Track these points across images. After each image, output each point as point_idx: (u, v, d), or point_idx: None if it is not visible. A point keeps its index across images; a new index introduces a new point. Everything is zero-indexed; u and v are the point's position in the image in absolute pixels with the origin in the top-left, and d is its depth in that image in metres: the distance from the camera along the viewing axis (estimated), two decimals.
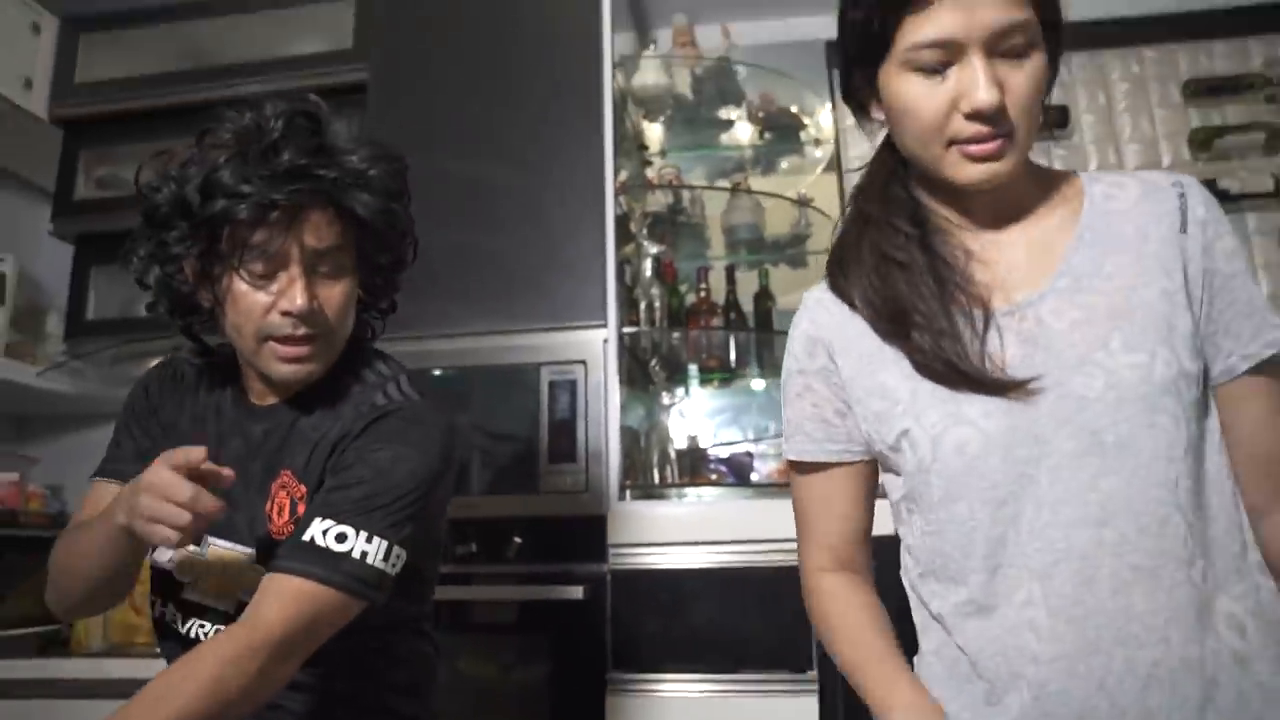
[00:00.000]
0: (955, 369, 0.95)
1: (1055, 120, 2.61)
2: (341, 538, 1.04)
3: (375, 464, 1.09)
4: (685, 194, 2.53)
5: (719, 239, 2.63)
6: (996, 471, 0.93)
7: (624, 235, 2.25)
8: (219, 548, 1.14)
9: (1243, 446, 0.96)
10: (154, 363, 1.30)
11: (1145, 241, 0.97)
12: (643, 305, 2.27)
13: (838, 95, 2.80)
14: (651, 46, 2.61)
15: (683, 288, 2.47)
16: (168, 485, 0.95)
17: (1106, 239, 0.98)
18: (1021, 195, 1.01)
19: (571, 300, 1.96)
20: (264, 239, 1.05)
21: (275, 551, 1.07)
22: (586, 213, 2.03)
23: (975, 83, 0.90)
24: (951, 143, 0.94)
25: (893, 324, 1.00)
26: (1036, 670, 0.90)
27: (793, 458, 1.11)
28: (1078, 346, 0.93)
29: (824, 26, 2.75)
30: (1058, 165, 2.58)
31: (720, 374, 2.46)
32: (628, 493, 1.99)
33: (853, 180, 2.62)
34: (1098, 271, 0.97)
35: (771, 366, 2.53)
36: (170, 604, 1.15)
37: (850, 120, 2.66)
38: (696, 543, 1.94)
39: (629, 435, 2.11)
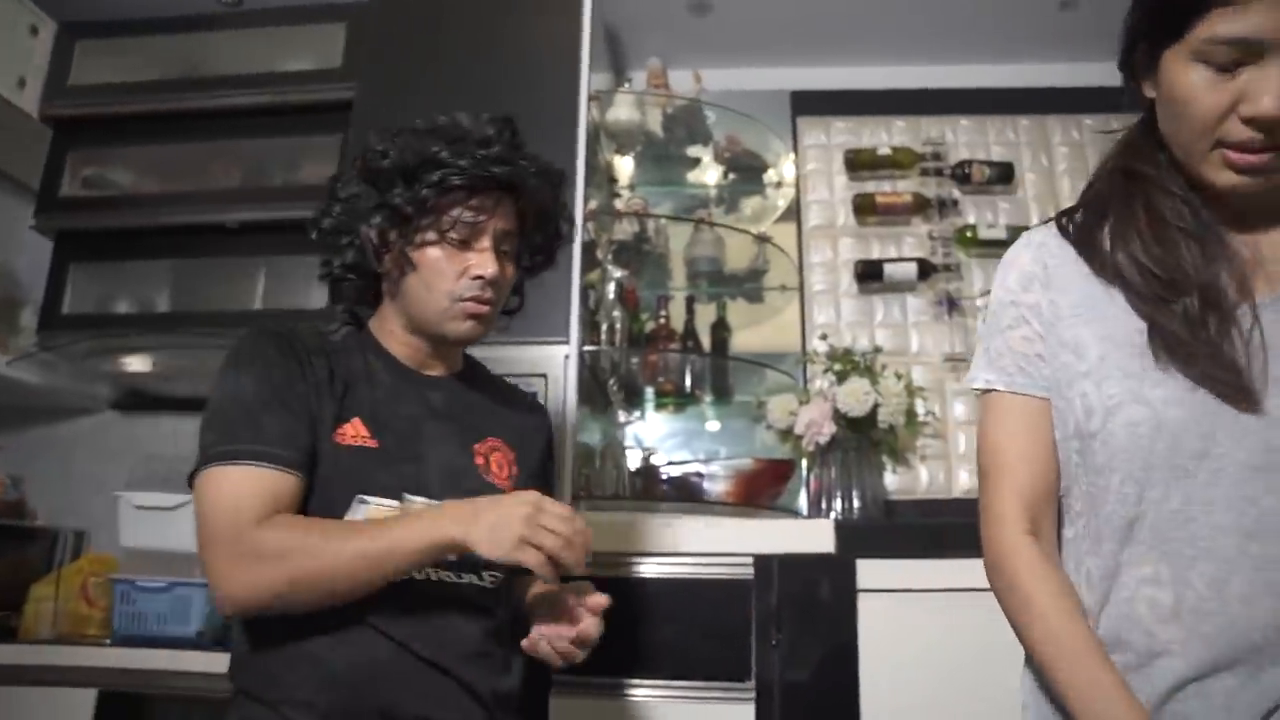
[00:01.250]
0: (1213, 348, 0.91)
1: (1001, 176, 2.77)
2: None
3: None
4: (651, 225, 2.65)
5: (680, 270, 2.74)
6: (1157, 456, 0.92)
7: (590, 262, 2.35)
8: (417, 503, 1.21)
9: None
10: (249, 333, 1.26)
11: None
12: (604, 327, 2.38)
13: (800, 142, 2.93)
14: (626, 85, 2.74)
15: (644, 315, 2.58)
16: (570, 528, 1.09)
17: None
18: (1272, 203, 0.97)
19: (536, 316, 2.06)
20: (468, 211, 1.24)
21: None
22: None
23: (1267, 89, 0.86)
24: (1219, 144, 0.91)
25: (1163, 288, 0.95)
26: (1148, 642, 0.91)
27: (1000, 388, 1.05)
28: (1270, 369, 0.90)
29: (790, 77, 2.94)
30: (1002, 219, 2.77)
31: (675, 398, 2.57)
32: (581, 504, 2.08)
33: (812, 224, 2.77)
34: None
35: (724, 394, 2.65)
36: None
37: (810, 165, 2.84)
38: (645, 554, 2.03)
39: (584, 451, 2.20)
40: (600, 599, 1.23)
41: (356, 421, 1.22)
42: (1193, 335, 0.92)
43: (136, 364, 2.61)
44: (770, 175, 2.78)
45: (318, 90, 2.45)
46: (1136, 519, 0.93)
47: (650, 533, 2.07)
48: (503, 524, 1.08)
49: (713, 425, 2.74)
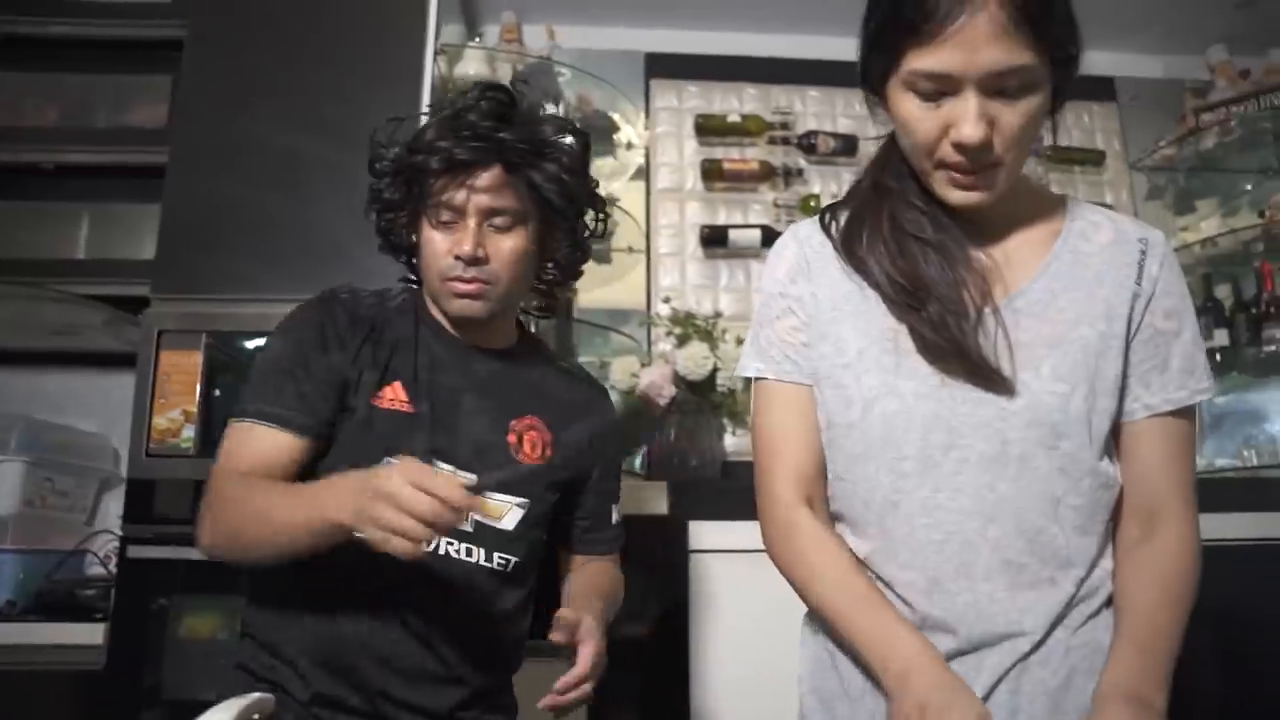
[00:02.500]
0: (959, 348, 0.99)
1: (845, 147, 2.86)
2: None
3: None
4: None
5: None
6: (909, 445, 1.01)
7: None
8: (445, 470, 1.23)
9: (1129, 484, 1.05)
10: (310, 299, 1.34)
11: (1100, 285, 1.04)
12: None
13: (652, 104, 2.95)
14: (478, 39, 2.69)
15: None
16: (411, 501, 0.98)
17: (1068, 275, 1.05)
18: (1008, 212, 1.06)
19: (376, 272, 2.02)
20: (448, 190, 1.26)
21: (527, 482, 1.31)
22: None
23: (965, 118, 0.94)
24: (940, 165, 0.99)
25: (908, 296, 1.03)
26: (912, 616, 1.01)
27: (771, 377, 1.11)
28: (1015, 363, 1.00)
29: (645, 39, 2.94)
30: (845, 189, 2.84)
31: None
32: None
33: (660, 186, 2.79)
34: (1052, 301, 1.04)
35: (569, 355, 2.66)
36: None
37: (661, 128, 2.86)
38: None
39: None
40: (569, 679, 1.15)
41: (397, 385, 1.28)
42: (939, 336, 1.01)
43: None
44: (620, 136, 2.79)
45: (147, 26, 2.31)
46: (893, 504, 1.03)
47: None
48: (351, 495, 1.04)
49: None
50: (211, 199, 2.04)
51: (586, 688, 1.16)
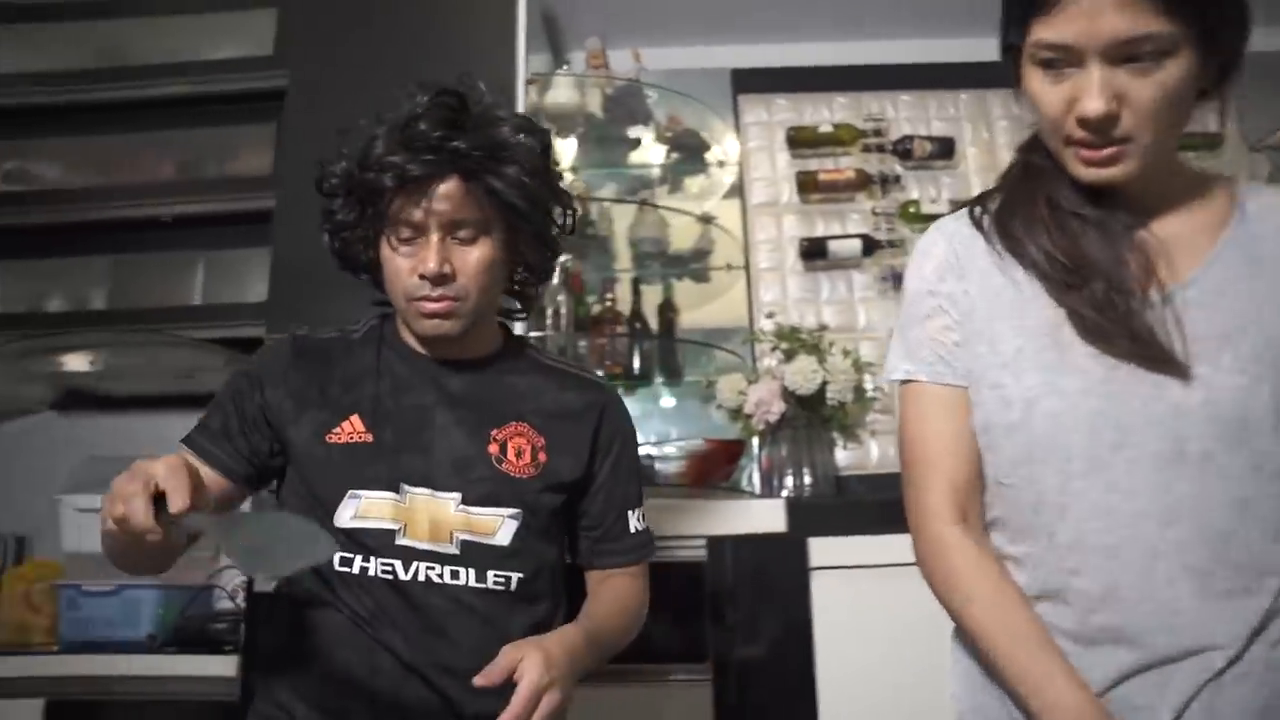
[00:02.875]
0: (1127, 328, 0.93)
1: (942, 151, 2.79)
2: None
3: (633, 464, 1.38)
4: (594, 208, 2.64)
5: (625, 252, 2.74)
6: (1076, 447, 0.94)
7: None
8: (419, 495, 1.20)
9: None
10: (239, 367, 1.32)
11: None
12: (549, 312, 2.37)
13: (741, 120, 2.93)
14: (565, 67, 2.72)
15: (589, 298, 2.57)
16: (120, 488, 0.92)
17: (1246, 258, 0.97)
18: (1165, 194, 1.00)
19: None
20: (405, 207, 1.17)
21: (517, 492, 1.23)
22: None
23: (1087, 91, 0.90)
24: (1069, 141, 0.95)
25: (1069, 274, 0.97)
26: (1081, 631, 0.93)
27: (923, 379, 1.05)
28: (1189, 354, 0.93)
29: (731, 55, 2.93)
30: (944, 194, 2.79)
31: (624, 381, 2.57)
32: None
33: (755, 201, 2.77)
34: (1226, 290, 0.96)
35: (673, 375, 2.65)
36: (379, 557, 1.18)
37: (753, 143, 2.84)
38: None
39: None
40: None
41: (354, 418, 1.23)
42: (1104, 317, 0.94)
43: (74, 363, 2.54)
44: (713, 154, 2.78)
45: (249, 79, 2.38)
46: (1061, 508, 0.95)
47: None
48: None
49: (667, 402, 2.75)
50: (319, 240, 2.08)
51: None
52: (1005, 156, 2.80)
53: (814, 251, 2.71)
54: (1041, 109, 0.96)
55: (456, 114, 1.19)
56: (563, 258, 2.45)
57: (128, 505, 0.90)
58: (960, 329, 1.04)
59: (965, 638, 1.05)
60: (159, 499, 0.91)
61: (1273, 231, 0.99)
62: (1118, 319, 0.94)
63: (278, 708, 1.19)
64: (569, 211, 1.33)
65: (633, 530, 1.35)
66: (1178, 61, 0.90)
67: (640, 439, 2.58)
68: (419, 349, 1.29)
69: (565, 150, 2.61)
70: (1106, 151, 0.93)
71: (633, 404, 2.67)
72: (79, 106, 2.47)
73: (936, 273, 1.07)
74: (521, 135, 1.23)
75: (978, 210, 1.08)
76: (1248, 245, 0.98)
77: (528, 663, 1.05)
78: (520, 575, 1.23)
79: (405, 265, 1.20)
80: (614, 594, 1.33)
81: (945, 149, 2.80)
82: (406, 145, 1.16)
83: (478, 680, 1.04)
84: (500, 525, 1.22)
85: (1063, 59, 0.91)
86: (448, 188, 1.17)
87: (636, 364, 2.57)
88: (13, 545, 2.48)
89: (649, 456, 2.34)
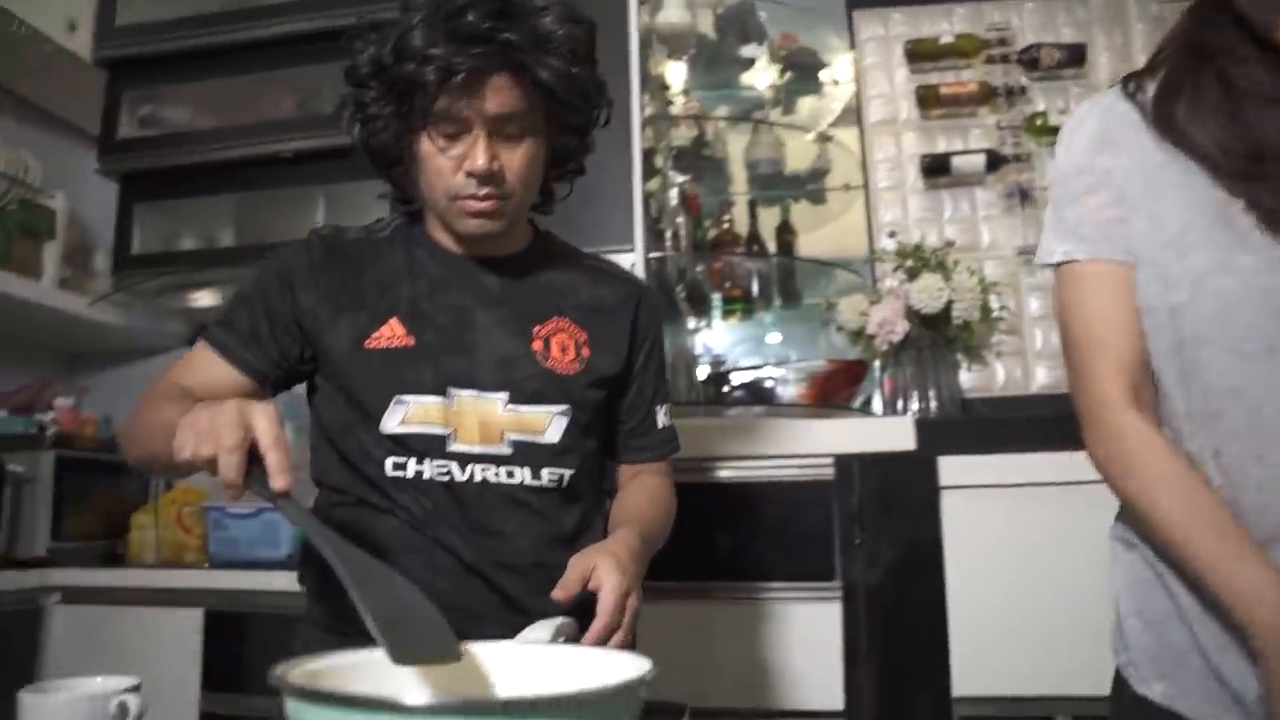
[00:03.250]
0: None
1: (1072, 58, 2.65)
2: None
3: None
4: (709, 129, 2.59)
5: (741, 174, 2.68)
6: (1250, 327, 0.88)
7: (649, 170, 2.31)
8: (466, 397, 1.17)
9: None
10: (279, 253, 1.24)
11: None
12: (668, 234, 2.35)
13: (857, 36, 2.83)
14: None
15: (706, 222, 2.53)
16: (218, 430, 0.87)
17: None
18: None
19: (599, 225, 2.03)
20: (449, 103, 1.09)
21: (564, 389, 1.20)
22: (614, 143, 2.09)
23: None
24: None
25: (1248, 164, 0.89)
26: (1262, 522, 0.87)
27: (1081, 257, 0.98)
28: None
29: None
30: (1074, 104, 2.65)
31: (743, 304, 2.53)
32: None
33: (873, 119, 2.68)
34: None
35: (791, 297, 2.61)
36: (432, 460, 1.16)
37: (869, 60, 2.75)
38: (722, 458, 2.03)
39: None
40: (591, 636, 0.99)
41: (393, 322, 1.18)
42: None
43: (205, 299, 2.66)
44: (827, 73, 2.69)
45: (366, 9, 2.40)
46: (1235, 392, 0.89)
47: (726, 437, 2.06)
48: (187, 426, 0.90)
49: (777, 333, 2.71)
50: None
51: (617, 638, 1.00)
52: (1141, 62, 2.67)
53: (936, 168, 2.62)
54: None
55: (504, 2, 1.10)
56: (680, 179, 2.44)
57: (223, 456, 0.85)
58: (1118, 205, 0.97)
59: (1129, 536, 1.00)
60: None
61: None
62: None
63: (336, 618, 1.15)
64: (606, 104, 1.25)
65: (660, 425, 1.33)
66: None
67: (757, 362, 2.60)
68: (452, 248, 1.24)
69: (676, 72, 2.57)
70: None
71: (750, 328, 2.66)
72: (204, 51, 2.54)
73: (1091, 147, 1.00)
74: (567, 24, 1.14)
75: (1131, 86, 1.00)
76: None
77: (603, 570, 1.02)
78: (571, 472, 1.21)
79: (449, 163, 1.13)
80: (649, 494, 1.29)
81: (1075, 56, 2.65)
82: (451, 37, 1.07)
83: (555, 594, 1.00)
84: (550, 422, 1.20)
85: None
86: (497, 82, 1.10)
87: (755, 287, 2.54)
88: None
89: (769, 378, 2.31)
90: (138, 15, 2.58)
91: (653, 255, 2.17)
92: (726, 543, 2.01)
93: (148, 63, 2.58)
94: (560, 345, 1.22)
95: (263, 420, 0.86)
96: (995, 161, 2.60)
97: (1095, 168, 0.99)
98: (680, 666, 1.89)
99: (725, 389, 2.37)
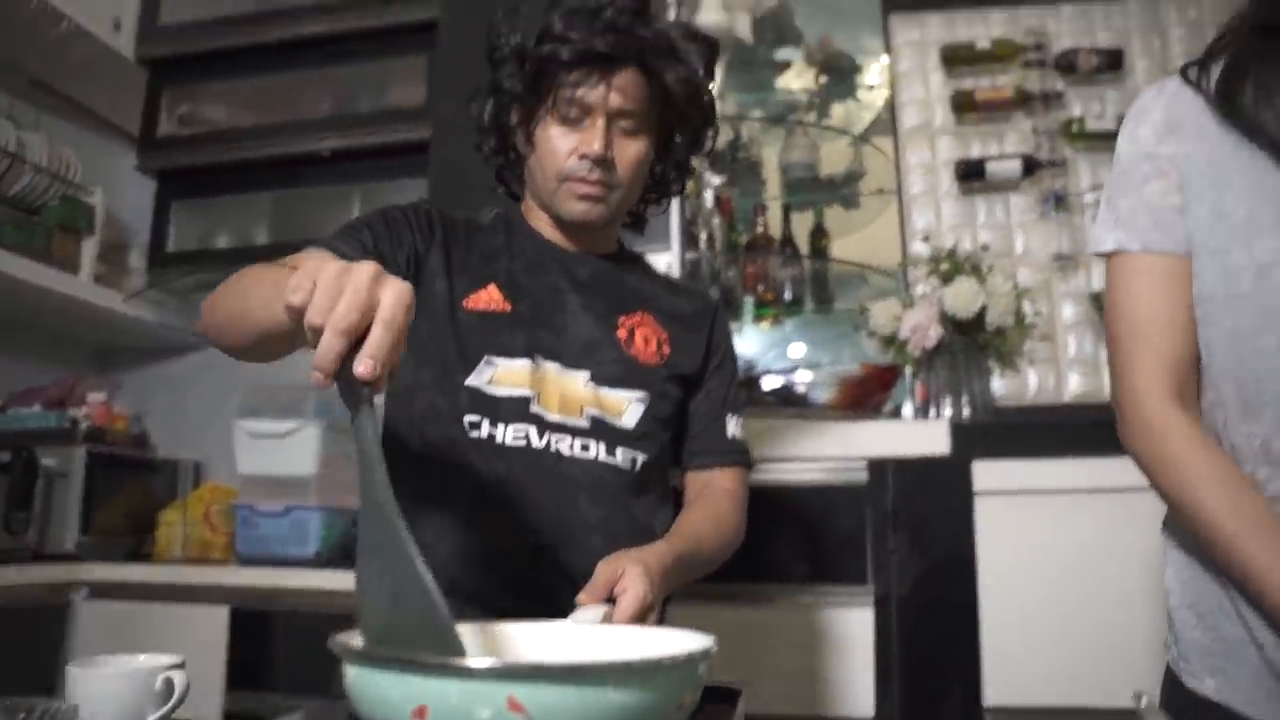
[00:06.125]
0: None
1: (1109, 63, 2.63)
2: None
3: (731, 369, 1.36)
4: (744, 132, 2.59)
5: (775, 178, 2.68)
6: None
7: None
8: (550, 368, 1.20)
9: None
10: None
11: None
12: (703, 236, 2.34)
13: (892, 40, 2.81)
14: None
15: (739, 225, 2.53)
16: (341, 298, 0.69)
17: None
18: None
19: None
20: (577, 88, 1.16)
21: (645, 378, 1.23)
22: None
23: None
24: None
25: None
26: None
27: (1133, 248, 0.98)
28: None
29: None
30: (1111, 109, 2.63)
31: (776, 307, 2.52)
32: None
33: (908, 125, 2.66)
34: None
35: (824, 301, 2.59)
36: (510, 423, 1.16)
37: (904, 64, 2.73)
38: (756, 460, 2.01)
39: None
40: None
41: (492, 287, 1.22)
42: None
43: None
44: (863, 77, 2.68)
45: (402, 10, 2.43)
46: None
47: (760, 439, 2.05)
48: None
49: (809, 337, 2.70)
50: (473, 169, 2.10)
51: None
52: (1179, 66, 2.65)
53: (971, 173, 2.59)
54: None
55: (641, 4, 1.19)
56: (715, 181, 2.44)
57: (329, 333, 0.68)
58: (1181, 193, 0.96)
59: (1181, 526, 0.98)
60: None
61: None
62: None
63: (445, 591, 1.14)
64: (714, 130, 1.32)
65: (729, 435, 1.34)
66: None
67: (789, 365, 2.58)
68: (549, 237, 1.29)
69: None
70: None
71: (782, 332, 2.65)
72: (243, 50, 2.57)
73: (1155, 133, 0.99)
74: (696, 40, 1.24)
75: (1194, 73, 0.98)
76: None
77: (630, 577, 0.98)
78: (645, 457, 1.22)
79: (565, 144, 1.19)
80: (716, 523, 1.26)
81: (1113, 60, 2.62)
82: (590, 25, 1.15)
83: (581, 598, 0.97)
84: (628, 407, 1.22)
85: None
86: (626, 74, 1.17)
87: (788, 291, 2.52)
88: (192, 469, 2.63)
89: (802, 382, 2.30)
90: (180, 14, 2.61)
91: (689, 255, 2.16)
92: (758, 544, 1.99)
93: (188, 61, 2.61)
94: (644, 337, 1.26)
95: (391, 295, 0.70)
96: (1030, 167, 2.58)
97: (1159, 154, 0.98)
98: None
99: (757, 392, 2.35)
